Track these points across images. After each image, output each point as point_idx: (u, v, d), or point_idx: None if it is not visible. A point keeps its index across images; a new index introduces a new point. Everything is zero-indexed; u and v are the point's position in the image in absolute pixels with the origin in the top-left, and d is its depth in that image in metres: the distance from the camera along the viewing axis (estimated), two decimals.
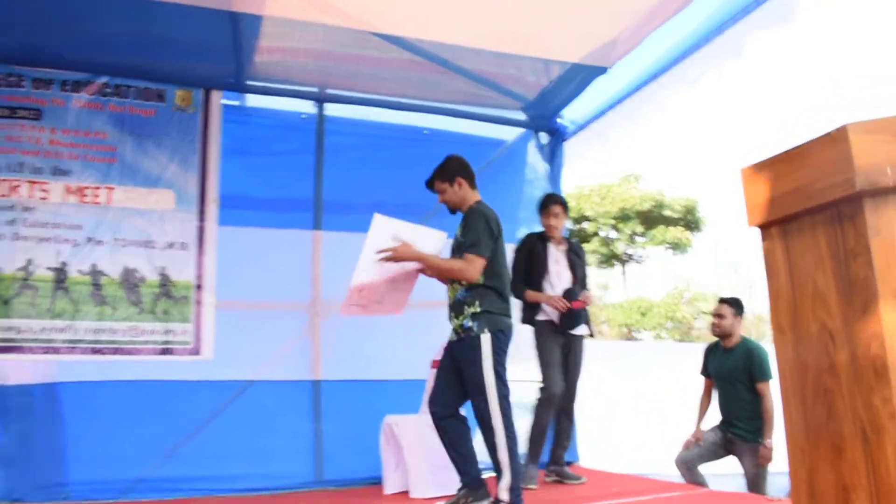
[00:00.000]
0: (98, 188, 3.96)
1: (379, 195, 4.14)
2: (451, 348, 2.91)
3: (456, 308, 2.88)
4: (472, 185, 3.19)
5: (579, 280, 3.96)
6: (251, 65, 3.99)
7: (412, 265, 2.95)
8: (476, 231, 2.92)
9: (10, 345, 3.71)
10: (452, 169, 3.16)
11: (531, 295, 3.86)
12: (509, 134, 4.77)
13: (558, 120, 4.77)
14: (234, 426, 3.88)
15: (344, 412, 4.00)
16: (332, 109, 4.39)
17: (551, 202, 3.93)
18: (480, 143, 4.65)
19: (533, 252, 3.92)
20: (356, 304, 2.89)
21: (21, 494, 3.63)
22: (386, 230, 2.88)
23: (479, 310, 2.81)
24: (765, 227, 0.94)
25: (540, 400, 3.78)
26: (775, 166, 0.90)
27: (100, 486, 3.65)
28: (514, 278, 3.76)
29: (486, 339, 2.79)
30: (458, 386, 2.90)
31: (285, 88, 4.25)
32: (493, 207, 4.06)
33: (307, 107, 4.38)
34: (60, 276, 3.87)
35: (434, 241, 3.03)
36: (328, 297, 4.15)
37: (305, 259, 4.19)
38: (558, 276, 3.93)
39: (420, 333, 3.99)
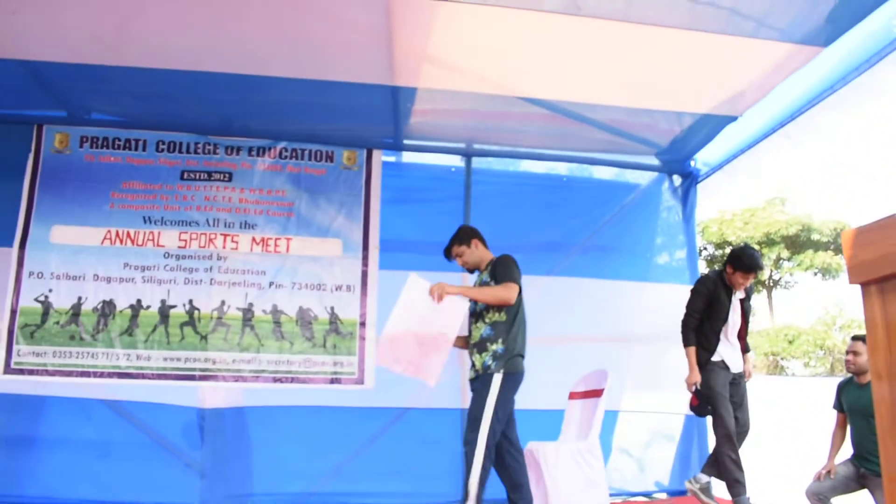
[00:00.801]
0: (279, 239, 4.55)
1: (522, 237, 4.58)
2: (470, 386, 3.07)
3: (480, 346, 3.08)
4: (486, 245, 3.49)
5: (747, 325, 4.14)
6: (407, 126, 4.52)
7: (446, 319, 3.11)
8: (507, 267, 3.19)
9: (208, 374, 4.38)
10: (467, 233, 3.50)
11: (690, 355, 4.03)
12: (643, 178, 5.06)
13: (691, 163, 5.03)
14: (392, 448, 4.34)
15: None
16: (478, 162, 4.85)
17: (753, 268, 3.99)
18: (616, 187, 5.03)
19: (717, 298, 4.04)
20: (390, 357, 3.08)
21: (214, 503, 4.21)
22: (420, 288, 3.12)
23: (501, 349, 3.00)
24: (864, 285, 1.06)
25: (722, 436, 3.90)
26: (872, 233, 1.04)
27: (279, 497, 4.18)
28: (689, 317, 4.03)
29: (498, 379, 2.98)
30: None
31: (437, 145, 4.80)
32: (627, 248, 4.60)
33: (456, 160, 4.87)
34: (248, 315, 4.53)
35: (460, 306, 3.22)
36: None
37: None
38: (733, 327, 4.10)
39: (560, 366, 4.37)
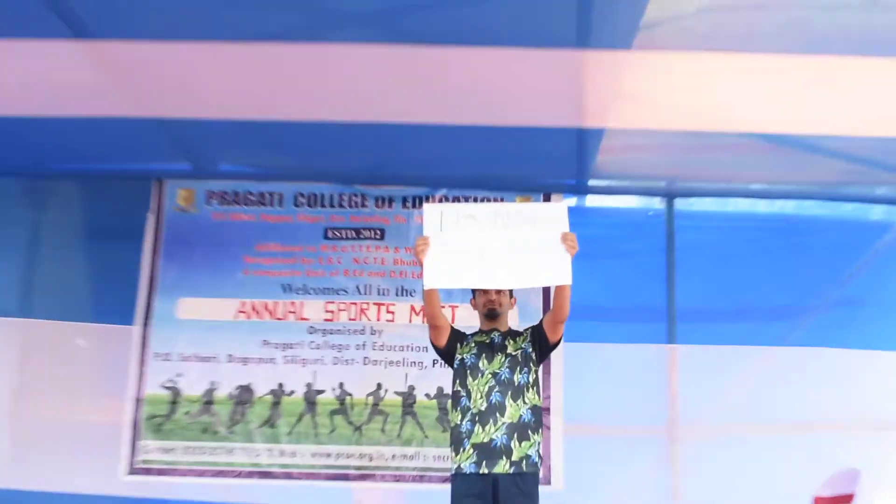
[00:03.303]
0: (443, 307, 4.44)
1: (743, 297, 4.51)
2: (498, 483, 2.87)
3: (521, 432, 2.91)
4: None
5: None
6: (593, 165, 4.50)
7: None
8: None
9: (364, 472, 4.46)
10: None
11: None
12: None
13: None
14: None
15: None
16: (682, 203, 4.74)
17: None
18: (863, 227, 4.77)
19: None
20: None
21: None
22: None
23: (540, 440, 2.92)
24: None
25: None
26: None
27: None
28: None
29: (539, 476, 2.93)
30: None
31: (629, 186, 4.81)
32: (882, 307, 4.49)
33: (654, 202, 4.82)
34: (409, 401, 4.56)
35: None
36: (687, 420, 4.40)
37: (660, 377, 4.52)
38: None
39: (798, 462, 4.30)
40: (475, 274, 2.89)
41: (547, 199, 4.81)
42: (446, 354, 3.11)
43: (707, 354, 4.46)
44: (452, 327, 3.10)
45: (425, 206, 3.06)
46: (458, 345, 3.08)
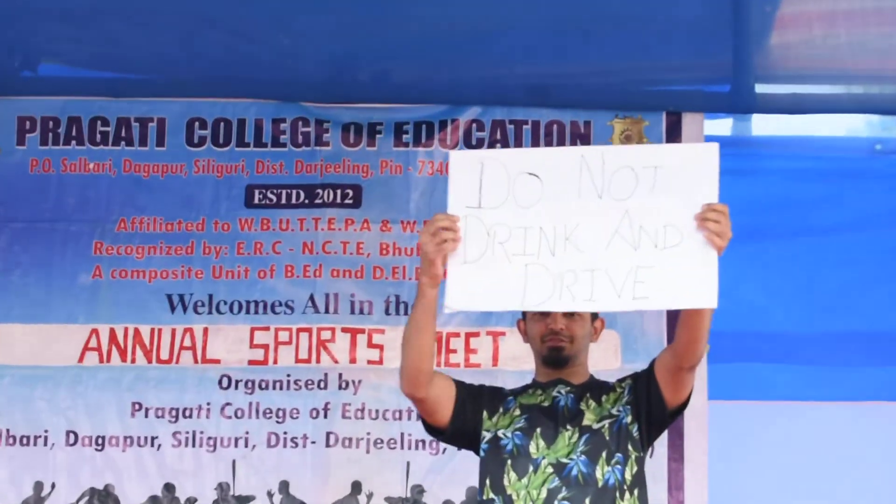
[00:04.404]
0: (473, 336, 3.94)
1: None
2: None
3: (603, 500, 2.58)
4: None
5: None
6: (762, 57, 3.73)
7: None
8: None
9: None
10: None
11: None
12: None
13: None
14: None
15: None
16: None
17: None
18: None
19: None
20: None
21: None
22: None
23: None
24: None
25: None
26: None
27: None
28: None
29: None
30: None
31: (835, 94, 3.98)
32: None
33: (885, 127, 4.09)
34: None
35: None
36: None
37: None
38: None
39: None
40: (537, 288, 2.39)
41: (675, 123, 3.96)
42: (459, 437, 2.65)
43: None
44: (457, 382, 2.62)
45: (452, 154, 2.56)
46: (483, 412, 2.62)
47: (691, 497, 3.76)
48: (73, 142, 3.94)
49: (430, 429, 2.66)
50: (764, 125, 4.04)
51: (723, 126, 4.01)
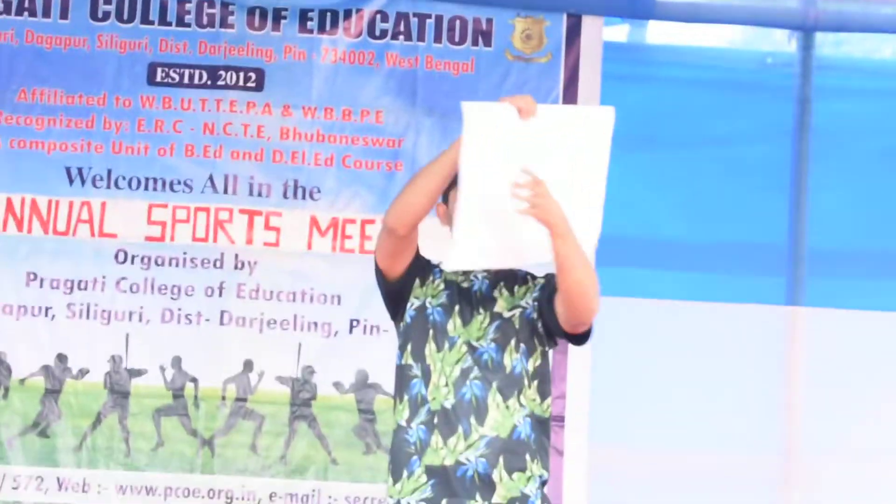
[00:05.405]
0: (368, 222, 3.88)
1: None
2: None
3: (512, 455, 2.57)
4: None
5: None
6: None
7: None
8: None
9: None
10: None
11: None
12: None
13: None
14: None
15: None
16: (828, 44, 4.03)
17: None
18: None
19: None
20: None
21: None
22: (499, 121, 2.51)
23: (546, 473, 2.64)
24: None
25: None
26: None
27: None
28: None
29: None
30: None
31: (730, 5, 4.07)
32: None
33: (776, 41, 4.07)
34: (303, 394, 3.90)
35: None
36: (813, 449, 3.92)
37: (772, 364, 3.94)
38: None
39: None
40: (534, 244, 2.35)
41: (575, 26, 4.01)
42: (396, 294, 2.58)
43: (843, 327, 3.93)
44: (417, 250, 2.56)
45: (465, 105, 2.36)
46: (419, 280, 2.56)
47: (574, 388, 3.87)
48: None
49: (381, 275, 2.65)
50: (659, 34, 4.09)
51: (620, 32, 4.04)
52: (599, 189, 2.35)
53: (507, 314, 2.51)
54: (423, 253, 2.62)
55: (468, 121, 2.36)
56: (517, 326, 2.50)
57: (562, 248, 2.37)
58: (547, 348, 2.57)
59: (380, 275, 2.56)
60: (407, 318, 2.56)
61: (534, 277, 2.59)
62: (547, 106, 2.73)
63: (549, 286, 2.54)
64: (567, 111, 3.06)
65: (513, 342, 2.49)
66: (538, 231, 2.34)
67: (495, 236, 2.39)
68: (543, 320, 2.54)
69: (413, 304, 2.57)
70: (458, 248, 2.38)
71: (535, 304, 2.52)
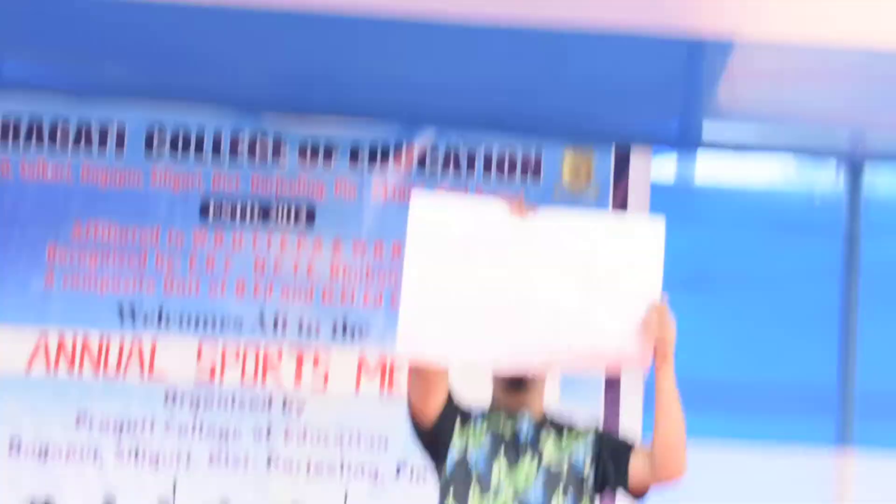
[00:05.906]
0: None
1: None
2: None
3: None
4: None
5: None
6: (712, 99, 3.86)
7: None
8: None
9: None
10: None
11: None
12: None
13: None
14: None
15: None
16: (877, 177, 4.05)
17: None
18: None
19: None
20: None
21: None
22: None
23: None
24: None
25: None
26: None
27: None
28: None
29: None
30: None
31: (776, 140, 4.09)
32: None
33: (822, 173, 4.13)
34: None
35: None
36: None
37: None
38: None
39: None
40: (495, 342, 2.41)
41: (623, 160, 4.07)
42: (432, 440, 2.50)
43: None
44: (451, 391, 2.51)
45: (415, 193, 2.49)
46: (458, 426, 2.50)
47: None
48: (28, 145, 3.93)
49: (415, 425, 2.62)
50: (706, 175, 4.16)
51: (668, 171, 4.11)
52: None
53: (554, 467, 2.49)
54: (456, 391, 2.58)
55: (413, 209, 2.35)
56: (564, 478, 2.48)
57: (664, 383, 2.39)
58: (594, 499, 2.52)
59: (413, 423, 2.54)
60: (448, 466, 2.52)
61: (584, 432, 2.58)
62: (581, 212, 2.73)
63: (611, 442, 2.55)
64: (607, 218, 3.08)
65: (560, 487, 2.47)
66: (496, 330, 2.36)
67: (455, 329, 2.37)
68: (603, 479, 2.52)
69: (453, 452, 2.52)
70: (401, 334, 2.38)
71: (592, 462, 2.49)
